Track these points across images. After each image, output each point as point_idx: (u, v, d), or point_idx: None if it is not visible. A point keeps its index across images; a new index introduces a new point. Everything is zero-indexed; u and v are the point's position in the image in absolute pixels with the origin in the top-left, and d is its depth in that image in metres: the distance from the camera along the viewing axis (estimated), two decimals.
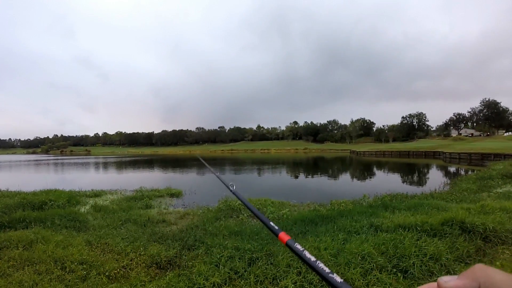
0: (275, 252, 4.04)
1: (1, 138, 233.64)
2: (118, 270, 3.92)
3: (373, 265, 3.53)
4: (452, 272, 3.50)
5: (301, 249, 0.62)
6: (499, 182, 11.97)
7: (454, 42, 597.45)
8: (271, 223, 0.81)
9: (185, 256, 4.40)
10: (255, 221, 6.90)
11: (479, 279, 0.33)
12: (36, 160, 62.12)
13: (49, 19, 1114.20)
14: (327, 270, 0.53)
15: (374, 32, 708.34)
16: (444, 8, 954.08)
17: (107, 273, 3.80)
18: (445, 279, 0.35)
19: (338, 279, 0.49)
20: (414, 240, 4.17)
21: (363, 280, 3.28)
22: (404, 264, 3.56)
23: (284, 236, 0.72)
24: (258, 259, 3.92)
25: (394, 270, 3.48)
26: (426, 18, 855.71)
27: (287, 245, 0.68)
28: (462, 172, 22.21)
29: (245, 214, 7.47)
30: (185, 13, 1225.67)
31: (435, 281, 0.38)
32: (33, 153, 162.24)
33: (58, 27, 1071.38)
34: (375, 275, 3.36)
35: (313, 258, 0.57)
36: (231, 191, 1.39)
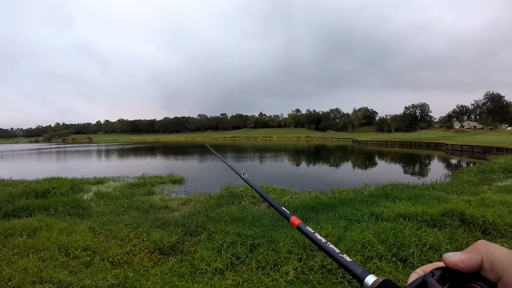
0: (277, 238, 4.09)
1: (3, 128, 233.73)
2: (121, 256, 3.98)
3: (373, 253, 3.57)
4: None
5: (312, 231, 0.64)
6: (500, 176, 11.94)
7: (459, 32, 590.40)
8: (283, 208, 0.85)
9: (188, 241, 4.46)
10: (257, 207, 6.96)
11: (481, 252, 0.35)
12: (39, 149, 62.50)
13: (46, 7, 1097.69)
14: (337, 250, 0.55)
15: (379, 19, 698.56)
16: None
17: (110, 259, 3.86)
18: (450, 254, 0.38)
19: (348, 258, 0.51)
20: (414, 229, 4.20)
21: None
22: (404, 253, 3.60)
23: (295, 220, 0.75)
24: (259, 245, 3.98)
25: (394, 258, 3.52)
26: (432, 6, 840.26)
27: (298, 228, 0.71)
28: (464, 165, 22.18)
29: (247, 201, 7.52)
30: None
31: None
32: (35, 142, 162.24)
33: (55, 15, 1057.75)
34: (375, 263, 3.41)
35: (323, 240, 0.60)
36: (243, 179, 1.40)
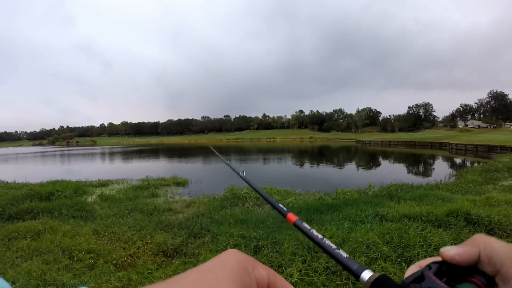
0: (281, 240, 4.06)
1: (8, 131, 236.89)
2: (125, 258, 3.98)
3: (378, 254, 3.54)
4: None
5: (309, 227, 0.63)
6: (505, 175, 11.82)
7: (465, 30, 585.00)
8: (280, 205, 0.83)
9: (191, 244, 4.46)
10: (260, 209, 6.94)
11: (479, 245, 0.35)
12: (43, 152, 62.87)
13: (46, 5, 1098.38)
14: (333, 246, 0.53)
15: (385, 17, 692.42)
16: None
17: (114, 262, 3.87)
18: (447, 248, 0.36)
19: (344, 254, 0.49)
20: (419, 230, 4.16)
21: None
22: (409, 254, 3.56)
23: (292, 216, 0.73)
24: (263, 247, 3.96)
25: (399, 259, 3.49)
26: (439, 4, 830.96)
27: (295, 224, 0.69)
28: (468, 164, 22.02)
29: (250, 203, 7.50)
30: None
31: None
32: (40, 145, 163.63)
33: (56, 14, 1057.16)
34: (380, 264, 3.38)
35: (320, 236, 0.58)
36: (241, 177, 1.39)
